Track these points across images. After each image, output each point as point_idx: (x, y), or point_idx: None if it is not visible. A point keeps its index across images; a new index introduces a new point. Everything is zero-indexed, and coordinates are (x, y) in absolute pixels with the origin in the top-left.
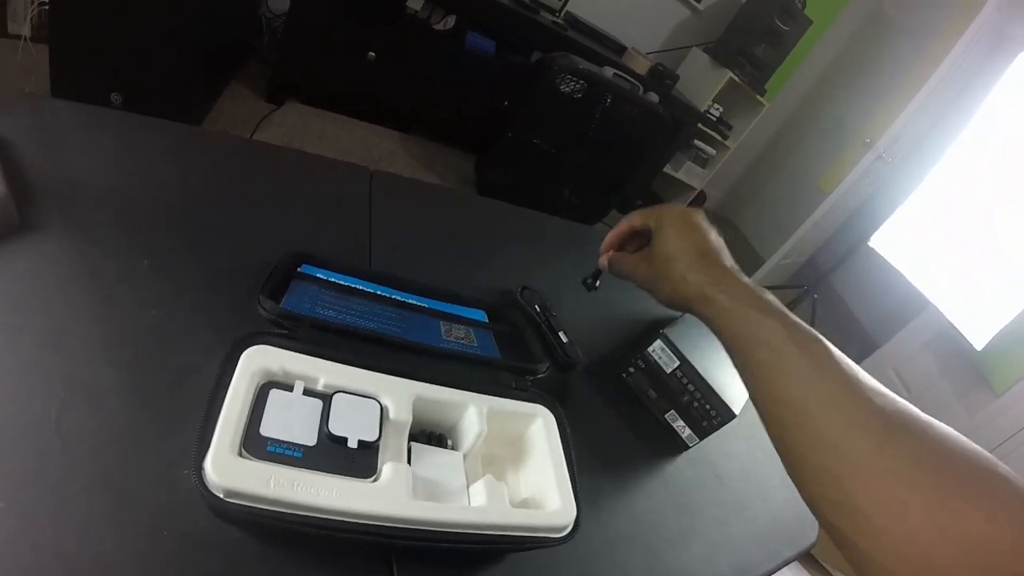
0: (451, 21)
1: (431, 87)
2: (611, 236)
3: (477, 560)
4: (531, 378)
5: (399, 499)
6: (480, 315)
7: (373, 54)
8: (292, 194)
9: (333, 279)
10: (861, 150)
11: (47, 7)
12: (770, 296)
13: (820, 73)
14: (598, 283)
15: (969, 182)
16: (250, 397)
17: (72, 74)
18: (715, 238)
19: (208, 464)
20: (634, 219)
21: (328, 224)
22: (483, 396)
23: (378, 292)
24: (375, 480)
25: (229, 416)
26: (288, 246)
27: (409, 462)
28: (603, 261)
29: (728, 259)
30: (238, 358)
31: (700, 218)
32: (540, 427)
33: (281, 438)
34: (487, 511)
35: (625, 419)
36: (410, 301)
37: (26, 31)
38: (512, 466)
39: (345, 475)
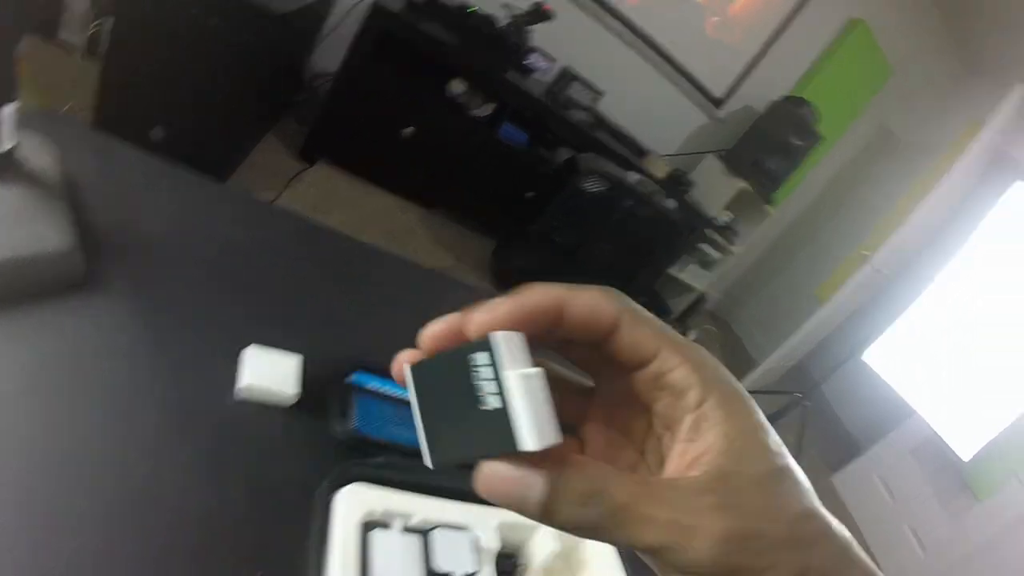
0: (489, 109)
1: (460, 169)
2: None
3: None
4: None
5: None
6: None
7: (410, 129)
8: (359, 287)
9: (386, 389)
10: (859, 262)
11: (105, 26)
12: None
13: (824, 184)
14: None
15: (961, 301)
16: (356, 544)
17: (119, 100)
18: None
19: None
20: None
21: (391, 325)
22: None
23: None
24: None
25: (345, 571)
26: (351, 344)
27: None
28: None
29: None
30: (333, 496)
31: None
32: None
33: None
34: None
35: None
36: None
37: (81, 44)
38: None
39: None
